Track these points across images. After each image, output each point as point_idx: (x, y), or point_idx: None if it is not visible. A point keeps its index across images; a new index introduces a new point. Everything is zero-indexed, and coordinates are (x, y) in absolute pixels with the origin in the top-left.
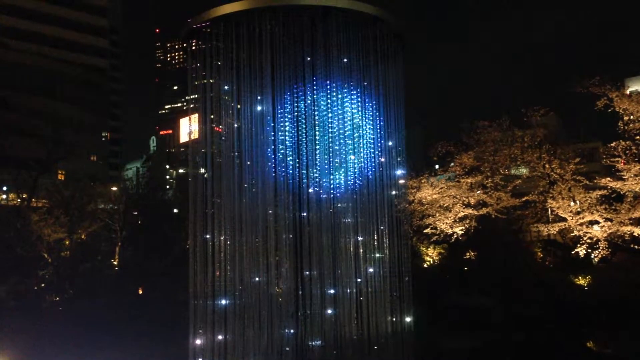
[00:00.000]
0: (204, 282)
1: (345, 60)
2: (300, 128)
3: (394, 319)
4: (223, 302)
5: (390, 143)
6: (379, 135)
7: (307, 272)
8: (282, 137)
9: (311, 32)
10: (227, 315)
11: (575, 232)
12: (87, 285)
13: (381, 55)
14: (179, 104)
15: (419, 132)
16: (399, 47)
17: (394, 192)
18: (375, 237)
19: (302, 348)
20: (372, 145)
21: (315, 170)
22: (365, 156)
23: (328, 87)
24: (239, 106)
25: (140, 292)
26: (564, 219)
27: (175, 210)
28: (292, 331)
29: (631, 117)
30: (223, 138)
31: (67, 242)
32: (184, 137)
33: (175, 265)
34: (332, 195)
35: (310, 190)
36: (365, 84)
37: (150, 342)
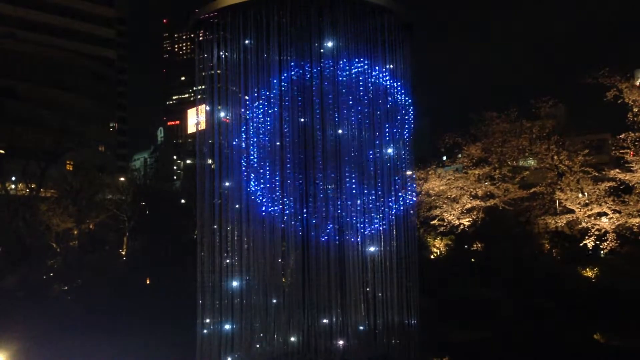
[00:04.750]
0: (211, 271)
1: (353, 50)
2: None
3: (401, 311)
4: (230, 291)
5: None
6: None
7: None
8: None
9: (318, 23)
10: (234, 304)
11: (583, 224)
12: (95, 275)
13: (389, 46)
14: (187, 95)
15: (426, 123)
16: (407, 38)
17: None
18: (382, 228)
19: (308, 337)
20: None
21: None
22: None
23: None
24: (246, 97)
25: (148, 281)
26: (572, 211)
27: (183, 201)
28: (298, 321)
29: None
30: (232, 129)
31: (75, 232)
32: (191, 128)
33: (183, 255)
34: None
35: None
36: (374, 74)
37: (158, 330)
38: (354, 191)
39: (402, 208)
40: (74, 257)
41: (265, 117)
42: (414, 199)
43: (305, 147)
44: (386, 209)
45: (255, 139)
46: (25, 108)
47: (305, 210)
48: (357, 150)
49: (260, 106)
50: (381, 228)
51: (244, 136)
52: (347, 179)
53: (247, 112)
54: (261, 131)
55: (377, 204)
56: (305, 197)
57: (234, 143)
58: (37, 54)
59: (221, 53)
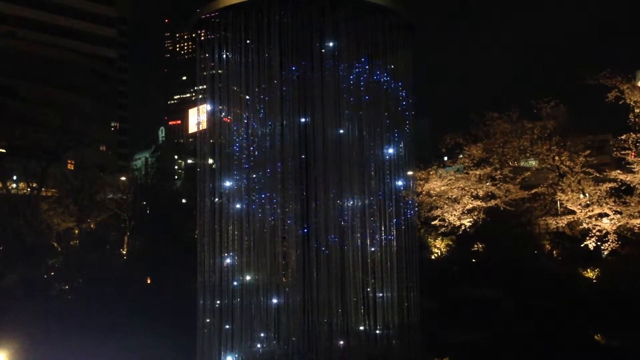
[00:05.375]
0: (211, 271)
1: (354, 50)
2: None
3: (402, 311)
4: (230, 291)
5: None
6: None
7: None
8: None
9: (320, 23)
10: (234, 304)
11: (584, 225)
12: (96, 274)
13: (390, 46)
14: (188, 95)
15: (427, 123)
16: (408, 38)
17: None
18: (383, 228)
19: (309, 337)
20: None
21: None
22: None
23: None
24: (247, 97)
25: (149, 281)
26: (573, 212)
27: (184, 200)
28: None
29: None
30: (234, 129)
31: (76, 231)
32: (192, 128)
33: (183, 255)
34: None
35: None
36: (374, 74)
37: (158, 329)
38: (354, 192)
39: (402, 209)
40: (74, 257)
41: (266, 118)
42: (415, 199)
43: (306, 147)
44: (387, 210)
45: (256, 140)
46: (26, 107)
47: (306, 210)
48: (358, 150)
49: (262, 107)
50: (382, 229)
51: (245, 136)
52: (348, 179)
53: (248, 113)
54: (262, 131)
55: (378, 204)
56: (306, 198)
57: (235, 146)
58: (39, 53)
59: (222, 53)
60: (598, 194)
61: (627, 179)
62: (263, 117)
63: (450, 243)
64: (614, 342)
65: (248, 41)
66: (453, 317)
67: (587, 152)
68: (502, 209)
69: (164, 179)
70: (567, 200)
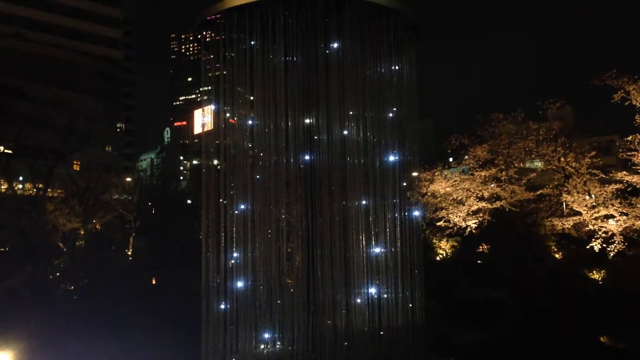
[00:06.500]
0: (216, 271)
1: (359, 51)
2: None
3: (406, 312)
4: (235, 291)
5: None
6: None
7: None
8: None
9: (324, 23)
10: (239, 304)
11: (590, 226)
12: (102, 275)
13: (395, 47)
14: (193, 96)
15: (432, 124)
16: (413, 39)
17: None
18: (388, 229)
19: (313, 338)
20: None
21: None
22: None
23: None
24: (252, 98)
25: (154, 282)
26: (579, 213)
27: (189, 201)
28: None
29: None
30: (239, 130)
31: (82, 232)
32: (198, 129)
33: (188, 255)
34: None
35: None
36: (378, 75)
37: (163, 330)
38: (359, 192)
39: (406, 209)
40: (80, 257)
41: (271, 118)
42: (420, 200)
43: (310, 148)
44: (391, 211)
45: (261, 140)
46: (32, 108)
47: (311, 210)
48: (362, 151)
49: (266, 107)
50: (386, 229)
51: (250, 137)
52: (352, 180)
53: (253, 114)
54: (267, 132)
55: (382, 205)
56: (310, 198)
57: (240, 147)
58: (45, 54)
59: (227, 54)
60: (604, 195)
61: (633, 180)
62: (268, 117)
63: (456, 244)
64: (620, 344)
65: (253, 42)
66: (458, 318)
67: (593, 153)
68: (507, 210)
69: (169, 180)
70: (573, 202)
